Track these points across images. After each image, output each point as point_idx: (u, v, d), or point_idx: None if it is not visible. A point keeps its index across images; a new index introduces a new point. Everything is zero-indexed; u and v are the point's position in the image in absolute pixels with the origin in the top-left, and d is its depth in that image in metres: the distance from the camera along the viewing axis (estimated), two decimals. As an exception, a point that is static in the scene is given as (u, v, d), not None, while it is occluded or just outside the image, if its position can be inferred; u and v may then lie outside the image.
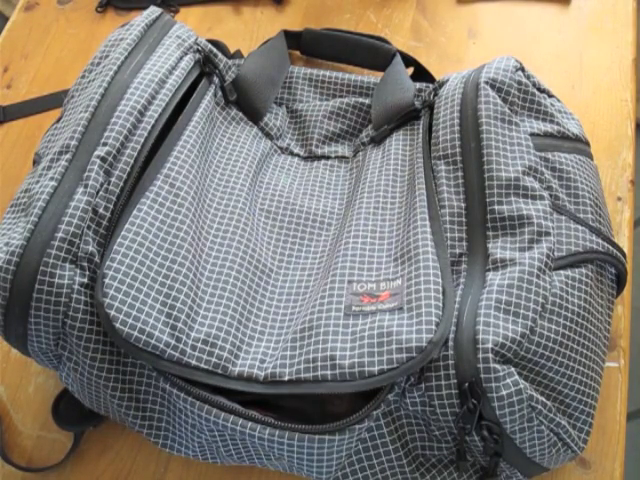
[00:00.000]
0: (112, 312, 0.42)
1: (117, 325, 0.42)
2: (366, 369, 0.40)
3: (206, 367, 0.43)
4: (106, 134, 0.47)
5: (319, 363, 0.41)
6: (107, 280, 0.42)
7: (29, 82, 0.72)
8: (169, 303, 0.43)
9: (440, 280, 0.43)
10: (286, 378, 0.42)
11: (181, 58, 0.53)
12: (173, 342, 0.42)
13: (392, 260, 0.47)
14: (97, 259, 0.44)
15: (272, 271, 0.50)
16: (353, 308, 0.44)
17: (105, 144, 0.46)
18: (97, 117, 0.48)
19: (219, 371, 0.43)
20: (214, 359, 0.43)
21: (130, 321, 0.42)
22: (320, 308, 0.44)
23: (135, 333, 0.42)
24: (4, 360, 0.57)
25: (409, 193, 0.50)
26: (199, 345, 0.43)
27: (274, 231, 0.52)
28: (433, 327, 0.41)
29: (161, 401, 0.45)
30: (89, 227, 0.44)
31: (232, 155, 0.54)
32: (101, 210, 0.45)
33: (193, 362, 0.43)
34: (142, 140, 0.48)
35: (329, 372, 0.41)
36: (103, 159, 0.46)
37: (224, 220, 0.50)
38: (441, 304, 0.42)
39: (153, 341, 0.42)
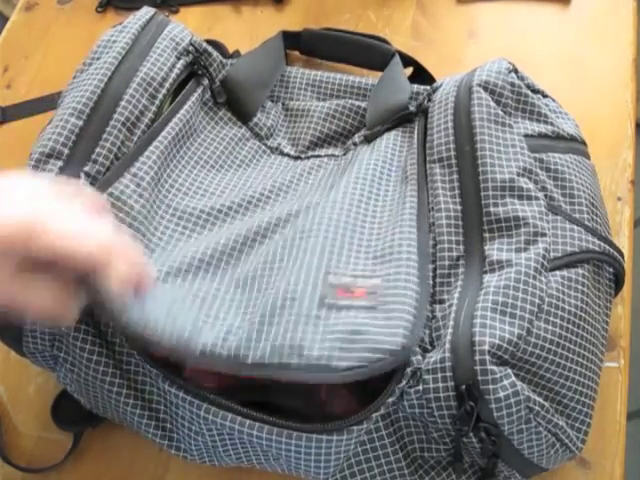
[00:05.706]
0: None
1: None
2: (334, 363, 0.40)
3: None
4: (97, 150, 0.48)
5: (286, 350, 0.41)
6: None
7: (29, 82, 0.72)
8: None
9: (418, 288, 0.43)
10: (249, 361, 0.41)
11: (174, 65, 0.54)
12: None
13: (371, 257, 0.46)
14: None
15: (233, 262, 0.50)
16: (327, 300, 0.43)
17: (95, 161, 0.48)
18: (90, 126, 0.49)
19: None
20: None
21: None
22: (293, 295, 0.44)
23: None
24: (4, 360, 0.57)
25: (398, 195, 0.50)
26: None
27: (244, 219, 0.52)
28: (407, 332, 0.41)
29: (157, 399, 0.46)
30: None
31: (211, 157, 0.55)
32: None
33: None
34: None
35: (295, 360, 0.41)
36: (90, 176, 0.48)
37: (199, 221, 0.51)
38: (415, 311, 0.42)
39: None
